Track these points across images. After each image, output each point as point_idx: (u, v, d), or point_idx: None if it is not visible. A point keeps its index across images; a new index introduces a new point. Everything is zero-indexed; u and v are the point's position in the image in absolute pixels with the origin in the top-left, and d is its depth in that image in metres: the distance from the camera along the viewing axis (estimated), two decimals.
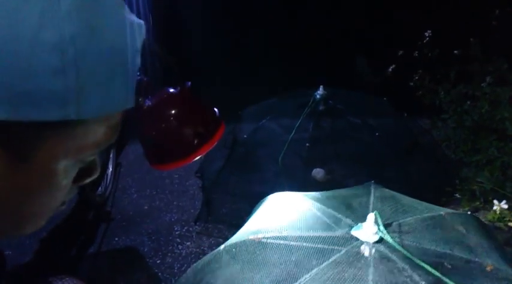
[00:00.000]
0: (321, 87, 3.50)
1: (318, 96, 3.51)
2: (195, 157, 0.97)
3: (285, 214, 1.81)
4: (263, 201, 2.08)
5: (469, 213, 2.42)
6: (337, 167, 3.34)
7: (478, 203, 3.50)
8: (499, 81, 4.14)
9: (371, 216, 1.48)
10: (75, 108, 0.42)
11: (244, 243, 1.65)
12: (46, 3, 0.40)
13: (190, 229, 3.26)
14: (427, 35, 4.62)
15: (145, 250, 3.09)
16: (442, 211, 1.83)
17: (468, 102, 4.23)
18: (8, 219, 0.49)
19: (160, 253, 3.06)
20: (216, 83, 5.31)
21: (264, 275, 1.49)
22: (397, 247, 1.41)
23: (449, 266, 1.40)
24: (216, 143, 1.03)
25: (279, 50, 5.64)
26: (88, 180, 0.56)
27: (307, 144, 3.32)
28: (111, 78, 0.45)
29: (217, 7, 5.85)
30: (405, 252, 1.38)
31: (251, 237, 1.65)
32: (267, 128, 3.55)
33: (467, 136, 4.08)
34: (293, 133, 3.37)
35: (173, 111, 0.97)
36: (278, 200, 1.99)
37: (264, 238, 1.61)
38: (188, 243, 3.19)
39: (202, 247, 3.10)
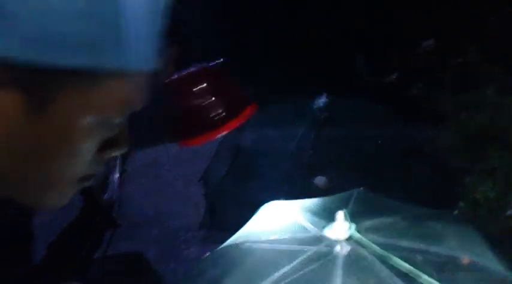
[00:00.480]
0: (323, 95, 3.53)
1: (320, 104, 3.55)
2: (221, 132, 0.96)
3: (268, 221, 1.86)
4: (259, 209, 2.13)
5: (455, 212, 2.44)
6: (339, 175, 3.36)
7: (482, 212, 3.49)
8: (503, 89, 4.14)
9: (340, 214, 1.50)
10: (103, 55, 0.41)
11: (224, 249, 1.72)
12: None
13: (195, 235, 3.30)
14: (428, 43, 4.62)
15: (151, 255, 3.12)
16: (425, 210, 1.85)
17: (470, 111, 4.23)
18: (28, 182, 0.47)
19: (165, 259, 3.10)
20: None
21: (239, 277, 1.54)
22: (364, 241, 1.43)
23: (422, 260, 1.43)
24: (243, 121, 1.01)
25: (279, 50, 5.65)
26: (115, 153, 0.53)
27: (309, 152, 3.35)
28: (146, 32, 0.43)
29: (217, 7, 5.88)
30: (371, 245, 1.40)
31: (231, 243, 1.71)
32: (269, 136, 3.58)
33: (470, 145, 4.07)
34: (296, 141, 3.40)
35: (202, 85, 0.95)
36: (269, 209, 2.03)
37: (241, 242, 1.67)
38: (192, 249, 3.21)
39: (206, 253, 3.13)
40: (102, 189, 3.65)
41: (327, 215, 1.72)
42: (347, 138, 3.52)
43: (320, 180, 3.26)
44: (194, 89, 0.96)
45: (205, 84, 0.96)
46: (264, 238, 1.68)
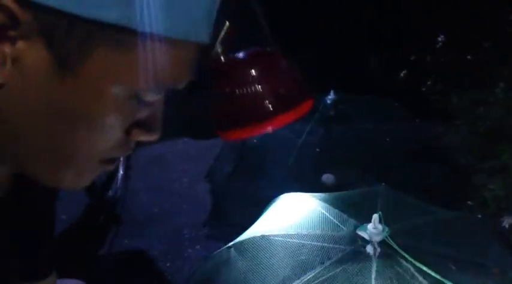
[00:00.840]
0: (332, 91, 3.49)
1: (328, 101, 3.51)
2: (272, 125, 0.86)
3: (292, 214, 1.87)
4: (273, 201, 2.12)
5: (479, 216, 2.43)
6: (347, 172, 3.32)
7: (490, 210, 3.46)
8: None
9: (375, 217, 1.51)
10: (140, 14, 0.36)
11: (252, 240, 1.71)
12: None
13: (200, 232, 3.27)
14: (440, 39, 4.59)
15: (155, 252, 3.10)
16: (451, 214, 1.86)
17: (481, 108, 4.20)
18: (46, 154, 0.43)
19: (169, 256, 3.07)
20: None
21: (270, 271, 1.54)
22: (396, 248, 1.44)
23: (454, 268, 1.43)
24: (298, 116, 0.89)
25: (287, 46, 5.62)
26: (146, 138, 0.48)
27: (317, 149, 3.31)
28: None
29: (227, 7, 5.85)
30: (403, 253, 1.40)
31: (258, 235, 1.69)
32: (277, 133, 3.53)
33: (479, 143, 4.04)
34: (303, 138, 3.36)
35: (255, 71, 0.84)
36: (287, 200, 2.03)
37: (271, 235, 1.66)
38: (197, 246, 3.19)
39: (211, 251, 3.10)
40: (106, 185, 3.64)
41: (356, 213, 1.71)
42: (355, 135, 3.48)
43: (328, 178, 3.22)
44: (245, 75, 0.85)
45: (258, 70, 0.85)
46: (292, 231, 1.68)
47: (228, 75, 0.86)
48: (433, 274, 1.34)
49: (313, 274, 1.47)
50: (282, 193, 2.38)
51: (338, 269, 1.45)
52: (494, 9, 4.61)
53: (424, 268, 1.36)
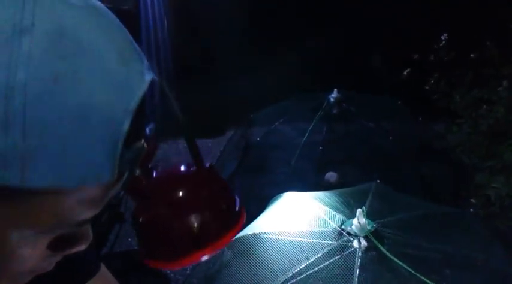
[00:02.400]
0: (335, 90, 3.49)
1: (331, 99, 3.51)
2: (207, 252, 0.74)
3: (284, 212, 1.91)
4: (271, 201, 2.16)
5: (471, 210, 2.46)
6: (350, 171, 3.32)
7: (493, 208, 3.46)
8: None
9: (359, 211, 1.55)
10: (19, 173, 0.34)
11: (243, 239, 1.74)
12: (3, 37, 0.34)
13: None
14: (443, 38, 4.58)
15: None
16: (441, 209, 1.89)
17: (484, 107, 4.19)
18: None
19: None
20: (229, 82, 5.32)
21: (259, 268, 1.58)
22: (376, 243, 1.47)
23: (438, 260, 1.45)
24: (234, 235, 0.78)
25: (291, 44, 5.62)
26: (73, 250, 0.46)
27: (320, 148, 3.31)
28: (81, 142, 0.36)
29: (234, 6, 5.85)
30: (382, 249, 1.43)
31: (250, 233, 1.73)
32: (280, 131, 3.55)
33: (482, 141, 4.03)
34: (306, 136, 3.36)
35: (182, 193, 0.74)
36: (284, 199, 2.07)
37: (261, 233, 1.70)
38: None
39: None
40: None
41: (346, 210, 1.74)
42: (358, 134, 3.48)
43: (331, 176, 3.22)
44: (172, 198, 0.75)
45: (185, 192, 0.75)
46: (283, 229, 1.73)
47: (149, 201, 0.76)
48: (412, 271, 1.37)
49: (298, 269, 1.52)
50: (284, 191, 2.39)
51: (323, 264, 1.49)
52: (497, 7, 4.60)
53: (399, 263, 1.40)
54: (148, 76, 0.42)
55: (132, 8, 5.98)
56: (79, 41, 0.37)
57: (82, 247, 0.47)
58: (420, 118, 3.77)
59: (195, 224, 0.73)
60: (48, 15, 0.36)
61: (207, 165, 0.77)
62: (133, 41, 0.42)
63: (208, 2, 5.92)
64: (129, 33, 0.42)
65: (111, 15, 0.41)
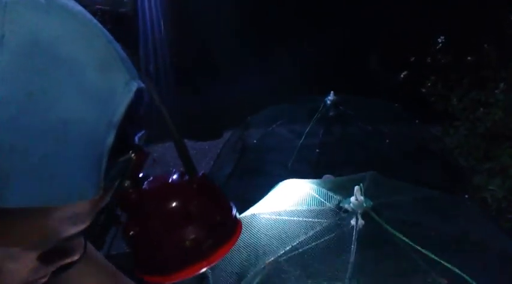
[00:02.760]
0: (332, 92, 3.50)
1: (328, 102, 3.51)
2: (204, 266, 0.71)
3: (283, 195, 1.96)
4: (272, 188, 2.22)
5: (466, 196, 2.48)
6: (347, 173, 3.31)
7: (490, 211, 3.46)
8: None
9: (357, 188, 1.57)
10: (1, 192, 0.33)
11: (242, 218, 1.77)
12: None
13: None
14: (440, 41, 4.59)
15: None
16: (436, 193, 1.93)
17: (481, 109, 4.20)
18: None
19: None
20: (226, 84, 5.32)
21: (256, 246, 1.62)
22: (376, 217, 1.49)
23: (434, 237, 1.48)
24: (231, 247, 0.76)
25: (290, 47, 5.63)
26: (66, 261, 0.45)
27: (317, 150, 3.31)
28: (61, 159, 0.34)
29: (231, 8, 5.85)
30: (378, 219, 1.46)
31: (249, 214, 1.76)
32: (277, 133, 3.54)
33: (479, 144, 4.04)
34: (303, 139, 3.36)
35: (171, 207, 0.68)
36: (282, 185, 2.11)
37: (260, 213, 1.74)
38: None
39: None
40: None
41: (342, 192, 1.77)
42: (355, 137, 3.48)
43: (328, 179, 3.21)
44: (163, 210, 0.71)
45: (177, 204, 0.71)
46: (280, 209, 1.75)
47: (139, 213, 0.73)
48: (404, 239, 1.39)
49: (295, 243, 1.54)
50: None
51: (320, 240, 1.52)
52: (495, 10, 4.61)
53: (402, 237, 1.42)
54: (134, 86, 0.39)
55: (130, 10, 5.99)
56: (55, 52, 0.35)
57: (75, 258, 0.46)
58: (417, 121, 3.77)
59: (188, 238, 0.70)
60: (21, 26, 0.34)
61: (201, 173, 0.74)
62: (119, 48, 0.40)
63: (206, 4, 5.92)
64: (114, 41, 0.40)
65: (93, 23, 0.39)
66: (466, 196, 3.47)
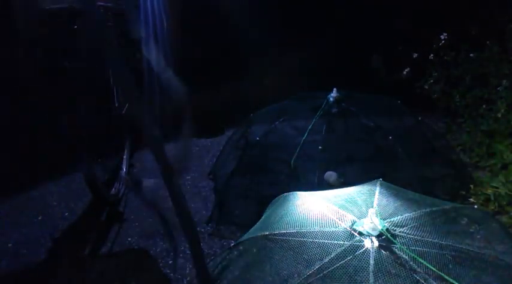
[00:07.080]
0: (335, 89, 3.49)
1: (331, 99, 3.51)
2: None
3: (292, 212, 1.89)
4: (274, 201, 2.13)
5: (475, 206, 2.44)
6: (349, 170, 3.32)
7: (492, 208, 3.46)
8: None
9: (371, 211, 1.56)
10: None
11: (253, 240, 1.71)
12: None
13: (202, 230, 3.27)
14: (442, 37, 4.59)
15: (158, 250, 3.11)
16: (448, 205, 1.87)
17: (484, 106, 4.20)
18: None
19: (172, 254, 3.07)
20: (229, 82, 5.32)
21: (271, 270, 1.57)
22: (394, 241, 1.46)
23: (450, 257, 1.45)
24: None
25: (293, 44, 5.62)
26: None
27: (319, 147, 3.31)
28: None
29: (234, 6, 5.84)
30: (399, 245, 1.42)
31: (259, 235, 1.71)
32: (279, 130, 3.54)
33: (482, 141, 4.04)
34: (305, 135, 3.36)
35: None
36: (287, 199, 2.04)
37: (271, 234, 1.68)
38: (201, 244, 3.19)
39: (214, 249, 3.10)
40: (109, 183, 3.65)
41: (354, 209, 1.73)
42: (358, 133, 3.48)
43: (331, 176, 3.22)
44: None
45: None
46: (292, 230, 1.71)
47: None
48: (430, 266, 1.36)
49: (312, 271, 1.50)
50: (284, 191, 2.38)
51: (337, 265, 1.49)
52: (497, 6, 4.60)
53: (420, 260, 1.39)
54: None
55: (133, 7, 5.97)
56: None
57: None
58: (420, 118, 3.76)
59: None
60: None
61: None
62: None
63: (209, 2, 5.91)
64: None
65: None
66: (471, 199, 3.48)
